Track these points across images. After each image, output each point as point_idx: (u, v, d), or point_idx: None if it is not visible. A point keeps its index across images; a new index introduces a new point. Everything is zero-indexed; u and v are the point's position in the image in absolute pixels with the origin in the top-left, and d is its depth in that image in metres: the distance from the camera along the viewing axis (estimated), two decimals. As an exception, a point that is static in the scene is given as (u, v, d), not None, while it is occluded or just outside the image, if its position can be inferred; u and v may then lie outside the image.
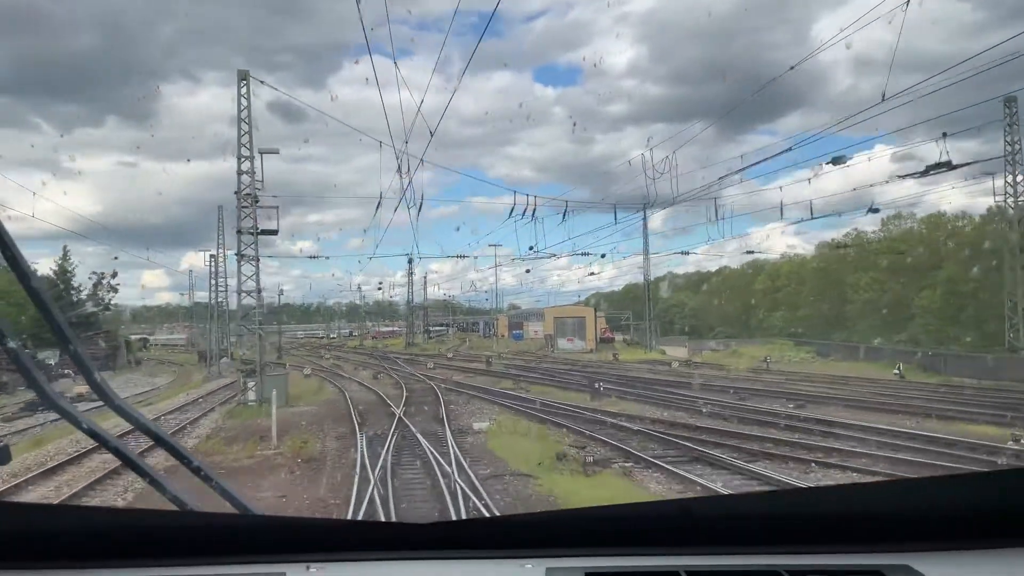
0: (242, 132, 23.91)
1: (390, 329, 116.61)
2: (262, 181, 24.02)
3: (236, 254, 23.54)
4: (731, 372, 37.26)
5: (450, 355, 55.46)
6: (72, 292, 59.64)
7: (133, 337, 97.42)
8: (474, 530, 1.64)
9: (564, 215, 30.32)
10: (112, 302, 61.77)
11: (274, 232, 23.99)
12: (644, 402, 24.78)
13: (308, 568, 1.37)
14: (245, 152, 23.71)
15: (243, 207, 23.65)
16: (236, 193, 23.52)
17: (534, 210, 29.54)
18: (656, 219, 58.48)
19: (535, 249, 33.27)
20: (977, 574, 1.37)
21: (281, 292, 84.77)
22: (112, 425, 5.47)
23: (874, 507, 1.49)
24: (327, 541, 1.46)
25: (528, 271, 57.38)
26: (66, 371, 37.40)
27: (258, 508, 1.63)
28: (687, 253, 39.32)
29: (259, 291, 23.68)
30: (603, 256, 40.28)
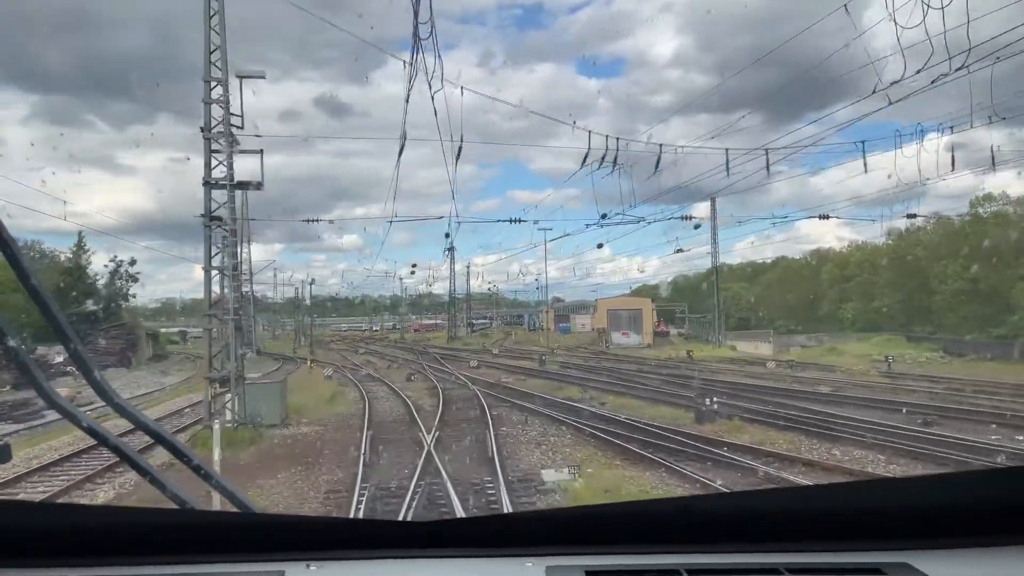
0: (211, 47, 16.56)
1: (432, 322, 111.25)
2: (241, 116, 16.73)
3: (203, 215, 16.25)
4: (853, 376, 28.77)
5: (495, 351, 47.82)
6: (89, 282, 53.57)
7: (172, 330, 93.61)
8: (474, 529, 1.55)
9: (658, 163, 22.24)
10: (130, 292, 55.52)
11: (257, 186, 16.64)
12: (783, 429, 16.68)
13: (308, 566, 1.33)
14: (216, 72, 16.39)
15: (213, 151, 16.35)
16: (202, 129, 16.19)
17: (615, 158, 21.52)
18: (702, 210, 50.68)
19: (613, 216, 25.12)
20: (977, 572, 1.34)
21: (312, 282, 77.96)
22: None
23: (874, 505, 1.44)
24: (327, 539, 1.41)
25: (601, 245, 49.07)
26: (68, 368, 32.21)
27: (258, 506, 1.56)
28: (827, 217, 30.73)
29: (235, 269, 16.40)
30: (697, 227, 31.84)
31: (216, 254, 16.21)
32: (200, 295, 16.96)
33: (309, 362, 42.30)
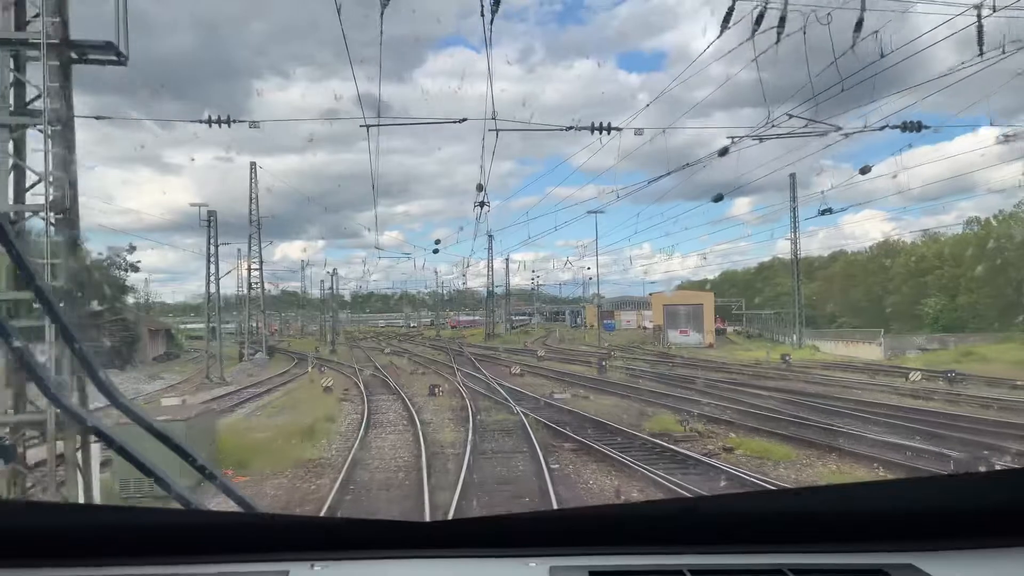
0: None
1: (470, 318, 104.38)
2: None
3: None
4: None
5: (541, 352, 39.00)
6: (83, 276, 46.10)
7: (200, 325, 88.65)
8: (478, 528, 1.47)
9: (859, 24, 12.91)
10: (127, 282, 47.91)
11: (109, 52, 8.09)
12: None
13: (312, 566, 1.28)
14: None
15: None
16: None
17: (783, 16, 12.44)
18: (742, 206, 42.50)
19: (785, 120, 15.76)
20: (981, 573, 1.29)
21: (334, 272, 70.09)
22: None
23: (878, 506, 1.39)
24: (331, 539, 1.37)
25: (720, 197, 39.50)
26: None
27: (262, 507, 1.51)
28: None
29: (67, 213, 7.99)
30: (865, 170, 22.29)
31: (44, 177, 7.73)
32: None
33: (311, 368, 33.89)
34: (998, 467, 9.38)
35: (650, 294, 69.87)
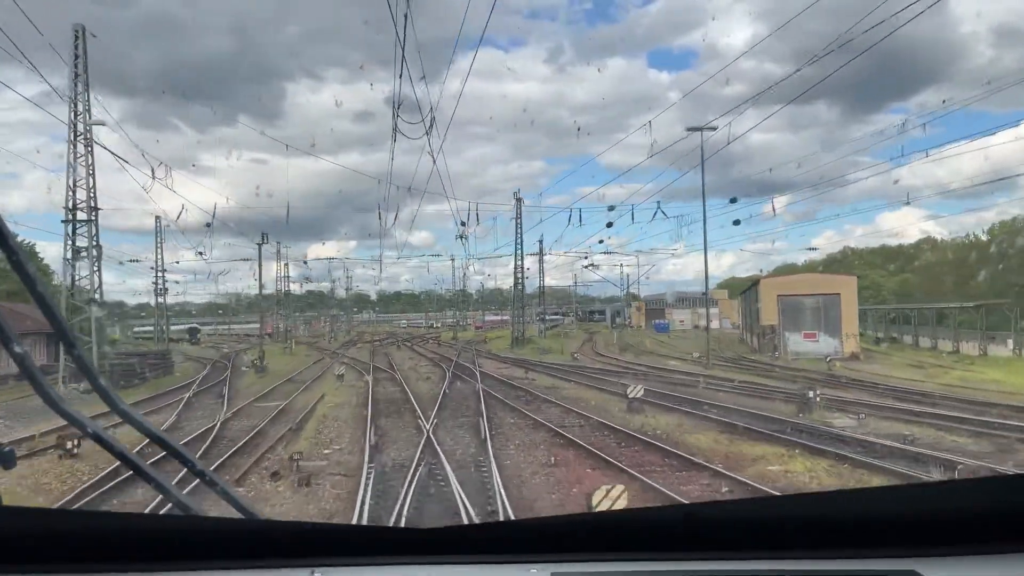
0: None
1: (497, 318, 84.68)
2: None
3: None
4: None
5: (634, 392, 16.65)
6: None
7: (181, 327, 72.54)
8: (480, 534, 1.42)
9: None
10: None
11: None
12: None
13: (313, 573, 1.23)
14: None
15: None
16: None
17: None
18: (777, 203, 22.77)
19: None
20: None
21: (277, 249, 49.21)
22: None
23: (879, 512, 1.30)
24: (332, 546, 1.29)
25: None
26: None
27: (263, 513, 1.40)
28: None
29: None
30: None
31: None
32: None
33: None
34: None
35: (760, 276, 46.33)
